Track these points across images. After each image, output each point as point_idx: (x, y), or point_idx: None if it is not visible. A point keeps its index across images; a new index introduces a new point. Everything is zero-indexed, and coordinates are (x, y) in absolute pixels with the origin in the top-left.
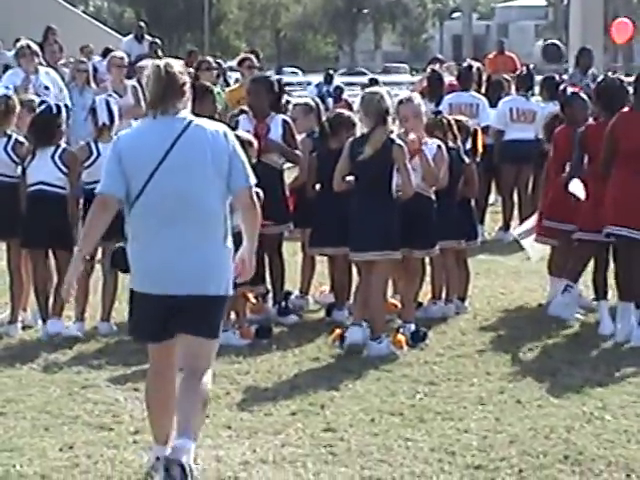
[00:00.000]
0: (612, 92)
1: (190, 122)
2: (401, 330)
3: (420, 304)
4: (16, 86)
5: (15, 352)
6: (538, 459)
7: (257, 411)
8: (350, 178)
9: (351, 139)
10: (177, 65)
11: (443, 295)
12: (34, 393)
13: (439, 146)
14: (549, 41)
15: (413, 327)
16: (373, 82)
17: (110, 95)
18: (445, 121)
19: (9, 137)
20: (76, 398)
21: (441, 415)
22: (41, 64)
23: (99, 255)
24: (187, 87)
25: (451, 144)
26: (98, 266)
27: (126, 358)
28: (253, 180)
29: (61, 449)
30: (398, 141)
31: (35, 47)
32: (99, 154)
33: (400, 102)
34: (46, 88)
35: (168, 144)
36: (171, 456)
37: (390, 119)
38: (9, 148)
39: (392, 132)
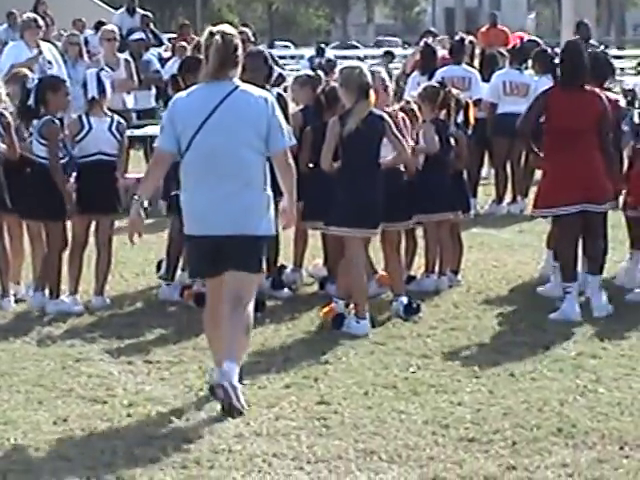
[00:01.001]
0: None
1: (236, 87)
2: (394, 304)
3: (413, 277)
4: (28, 59)
5: (8, 326)
6: (531, 432)
7: (251, 384)
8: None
9: (335, 117)
10: (233, 34)
11: (436, 268)
12: (28, 366)
13: (403, 118)
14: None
15: (405, 300)
16: (388, 55)
17: (102, 69)
18: (442, 94)
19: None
20: (70, 371)
21: (434, 388)
22: (44, 39)
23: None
24: (240, 55)
25: (442, 117)
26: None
27: (119, 331)
28: (289, 142)
29: (55, 422)
30: (380, 112)
31: (41, 21)
32: (90, 127)
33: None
34: (49, 63)
35: (212, 106)
36: (217, 380)
37: (372, 92)
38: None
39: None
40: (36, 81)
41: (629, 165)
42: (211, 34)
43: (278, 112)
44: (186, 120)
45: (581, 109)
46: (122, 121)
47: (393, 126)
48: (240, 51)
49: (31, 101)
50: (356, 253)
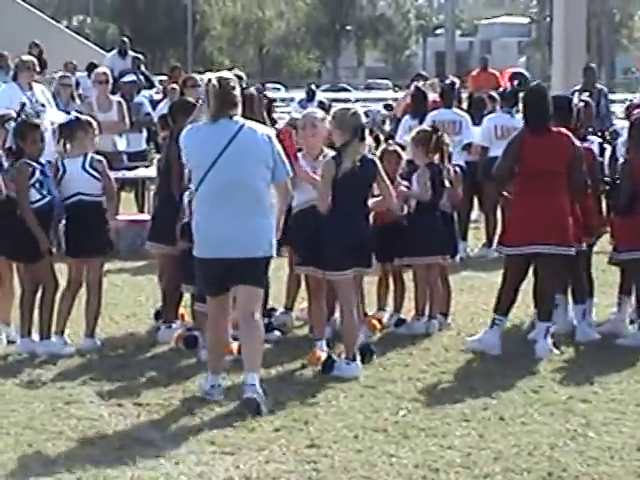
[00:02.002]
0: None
1: (243, 125)
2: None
3: (404, 320)
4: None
5: None
6: (522, 476)
7: (241, 427)
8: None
9: (328, 159)
10: (230, 78)
11: (426, 311)
12: (17, 409)
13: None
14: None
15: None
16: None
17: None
18: (435, 138)
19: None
20: (60, 414)
21: (425, 431)
22: (36, 81)
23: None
24: (237, 96)
25: (436, 161)
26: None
27: (110, 374)
28: (290, 172)
29: (45, 465)
30: (372, 157)
31: (36, 63)
32: (65, 169)
33: (304, 116)
34: (42, 105)
35: (225, 142)
36: (245, 394)
37: (367, 134)
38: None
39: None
40: (12, 124)
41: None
42: (209, 80)
43: (279, 147)
44: (200, 155)
45: (552, 151)
46: (98, 157)
47: (382, 171)
48: (237, 92)
49: (10, 143)
50: (349, 294)
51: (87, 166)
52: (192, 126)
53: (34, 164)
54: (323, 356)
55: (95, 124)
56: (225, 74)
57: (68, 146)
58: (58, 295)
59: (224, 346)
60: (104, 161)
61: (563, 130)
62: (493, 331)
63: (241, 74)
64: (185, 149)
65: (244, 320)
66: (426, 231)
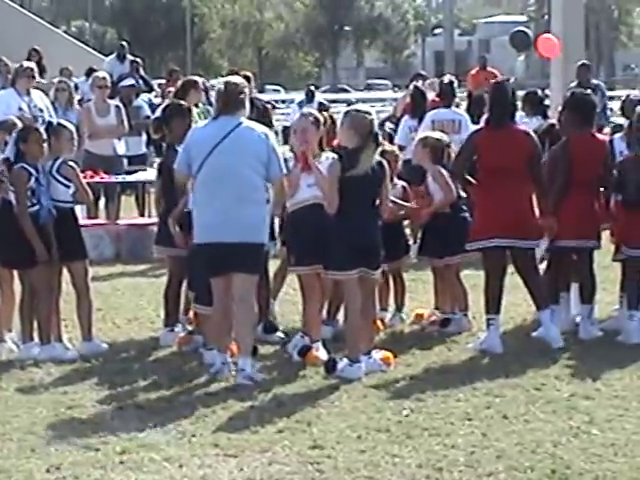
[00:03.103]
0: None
1: (241, 123)
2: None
3: (449, 320)
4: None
5: (0, 373)
6: (525, 474)
7: (244, 429)
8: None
9: (334, 161)
10: (237, 83)
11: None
12: (20, 414)
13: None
14: (517, 28)
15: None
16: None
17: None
18: (447, 153)
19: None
20: (62, 419)
21: (428, 431)
22: (35, 87)
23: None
24: (242, 98)
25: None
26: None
27: (112, 378)
28: (284, 170)
29: (48, 470)
30: (380, 159)
31: (35, 69)
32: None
33: (301, 115)
34: (40, 110)
35: (223, 134)
36: (238, 380)
37: (380, 137)
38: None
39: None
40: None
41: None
42: (221, 83)
43: (276, 145)
44: (198, 147)
45: (509, 148)
46: (70, 163)
47: (388, 176)
48: (243, 95)
49: (8, 152)
50: (354, 295)
51: (54, 171)
52: (200, 124)
53: (31, 170)
54: (321, 355)
55: (73, 129)
56: (234, 79)
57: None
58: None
59: (231, 325)
60: (75, 167)
61: (523, 128)
62: (491, 331)
63: (249, 74)
64: (188, 142)
65: (239, 304)
66: (455, 231)
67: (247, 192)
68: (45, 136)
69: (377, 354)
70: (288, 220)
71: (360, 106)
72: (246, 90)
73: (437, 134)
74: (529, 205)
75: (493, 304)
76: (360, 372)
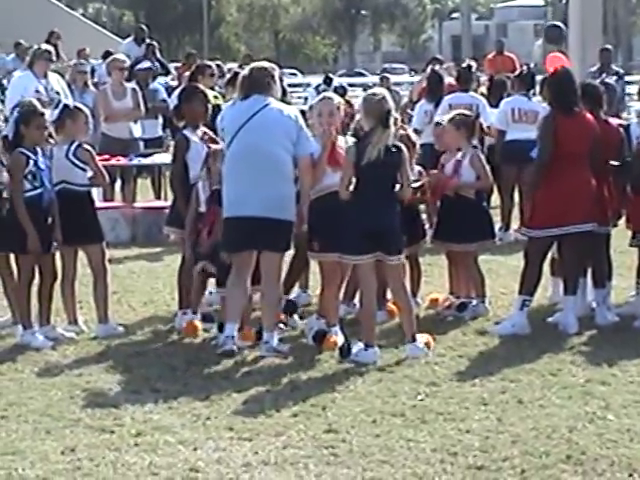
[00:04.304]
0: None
1: (268, 104)
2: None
3: (464, 304)
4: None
5: (16, 355)
6: (540, 459)
7: (258, 413)
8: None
9: (350, 145)
10: (261, 67)
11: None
12: (35, 396)
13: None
14: (550, 22)
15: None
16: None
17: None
18: (479, 124)
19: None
20: (77, 401)
21: (443, 416)
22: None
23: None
24: (268, 82)
25: (474, 144)
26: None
27: (127, 360)
28: (312, 150)
29: (63, 452)
30: (399, 144)
31: (52, 52)
32: (51, 157)
33: (321, 99)
34: (57, 93)
35: (252, 112)
36: (262, 352)
37: (392, 120)
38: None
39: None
40: (15, 113)
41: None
42: (247, 68)
43: (304, 125)
44: (230, 123)
45: (582, 133)
46: (86, 147)
47: (407, 160)
48: (269, 78)
49: (7, 131)
50: (369, 280)
51: (70, 155)
52: (232, 102)
53: (29, 154)
54: (339, 340)
55: (87, 112)
56: (260, 64)
57: (60, 133)
58: (57, 285)
59: (245, 301)
60: (91, 150)
61: (588, 114)
62: (523, 312)
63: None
64: (222, 121)
65: (264, 280)
66: (478, 218)
67: (274, 169)
68: (48, 121)
69: (421, 338)
70: (313, 206)
71: (376, 89)
72: (275, 73)
73: (460, 111)
74: (591, 189)
75: (530, 286)
76: (375, 356)
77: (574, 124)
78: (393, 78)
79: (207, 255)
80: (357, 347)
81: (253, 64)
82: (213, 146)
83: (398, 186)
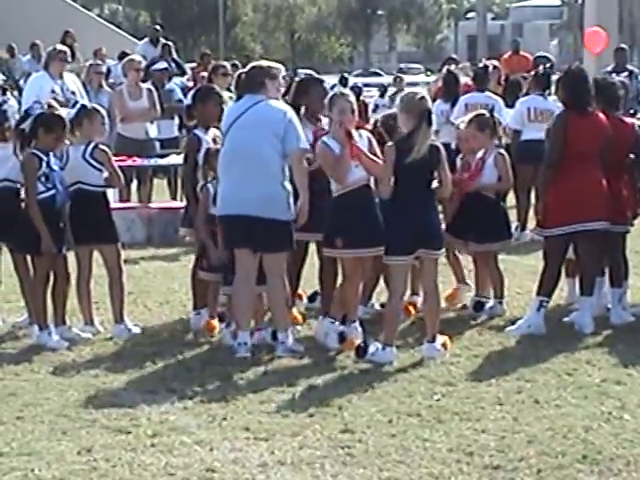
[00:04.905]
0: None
1: (260, 101)
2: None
3: (482, 304)
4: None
5: (32, 356)
6: (557, 459)
7: (274, 413)
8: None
9: (390, 145)
10: (256, 66)
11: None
12: (51, 397)
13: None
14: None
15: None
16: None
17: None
18: (497, 122)
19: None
20: (93, 402)
21: (459, 415)
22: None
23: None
24: (262, 81)
25: (497, 144)
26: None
27: (143, 361)
28: (303, 146)
29: (79, 453)
30: (437, 143)
31: (68, 53)
32: (68, 157)
33: (334, 95)
34: (72, 93)
35: (243, 109)
36: (278, 352)
37: (434, 119)
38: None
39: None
40: (37, 110)
41: None
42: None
43: (295, 121)
44: (225, 121)
45: (593, 132)
46: (102, 147)
47: (445, 158)
48: (262, 79)
49: (26, 125)
50: (400, 281)
51: (87, 155)
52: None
53: (42, 156)
54: (358, 340)
55: (104, 113)
56: (259, 63)
57: (77, 134)
58: (73, 285)
59: (252, 302)
60: (107, 151)
61: (601, 114)
62: (540, 314)
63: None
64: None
65: (268, 281)
66: (497, 217)
67: (262, 169)
68: (70, 124)
69: (439, 339)
70: (337, 203)
71: (414, 89)
72: (274, 72)
73: (478, 112)
74: (602, 188)
75: (549, 287)
76: (392, 356)
77: (586, 124)
78: (409, 78)
79: (218, 267)
80: (374, 347)
81: (252, 64)
82: (212, 146)
83: (437, 184)
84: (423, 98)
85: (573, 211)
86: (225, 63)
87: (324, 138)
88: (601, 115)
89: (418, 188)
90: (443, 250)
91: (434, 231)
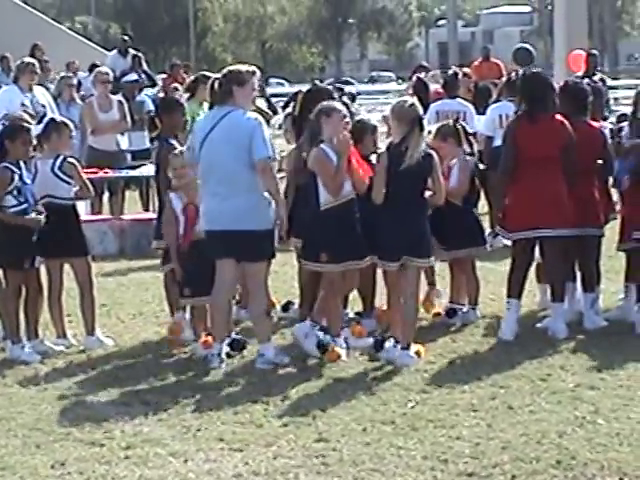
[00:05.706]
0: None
1: (229, 112)
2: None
3: (455, 310)
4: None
5: (4, 370)
6: (531, 465)
7: (249, 423)
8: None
9: (382, 151)
10: (222, 76)
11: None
12: (25, 410)
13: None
14: (519, 45)
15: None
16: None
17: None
18: (462, 129)
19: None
20: (67, 415)
21: (433, 423)
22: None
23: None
24: (229, 89)
25: (469, 150)
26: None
27: (116, 373)
28: (267, 154)
29: (53, 466)
30: (429, 151)
31: (38, 66)
32: (37, 171)
33: (330, 106)
34: (42, 106)
35: (211, 125)
36: (257, 364)
37: (425, 125)
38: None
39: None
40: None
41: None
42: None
43: (263, 129)
44: (196, 136)
45: (546, 137)
46: (71, 160)
47: (439, 166)
48: (230, 86)
49: None
50: (413, 284)
51: (56, 169)
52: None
53: (14, 169)
54: (342, 353)
55: (71, 126)
56: (224, 71)
57: (45, 147)
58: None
59: (226, 314)
60: (76, 164)
61: (557, 116)
62: (510, 315)
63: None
64: (192, 133)
65: (249, 292)
66: (468, 224)
67: (232, 181)
68: (34, 136)
69: (413, 347)
70: (321, 218)
71: (406, 98)
72: (242, 78)
73: (440, 124)
74: (566, 193)
75: (514, 289)
76: (413, 361)
77: (538, 129)
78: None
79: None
80: (391, 346)
81: (216, 75)
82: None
83: (430, 193)
84: (413, 105)
85: (531, 216)
86: (209, 74)
87: (322, 146)
88: (558, 119)
89: (410, 195)
90: (429, 260)
91: (421, 239)
